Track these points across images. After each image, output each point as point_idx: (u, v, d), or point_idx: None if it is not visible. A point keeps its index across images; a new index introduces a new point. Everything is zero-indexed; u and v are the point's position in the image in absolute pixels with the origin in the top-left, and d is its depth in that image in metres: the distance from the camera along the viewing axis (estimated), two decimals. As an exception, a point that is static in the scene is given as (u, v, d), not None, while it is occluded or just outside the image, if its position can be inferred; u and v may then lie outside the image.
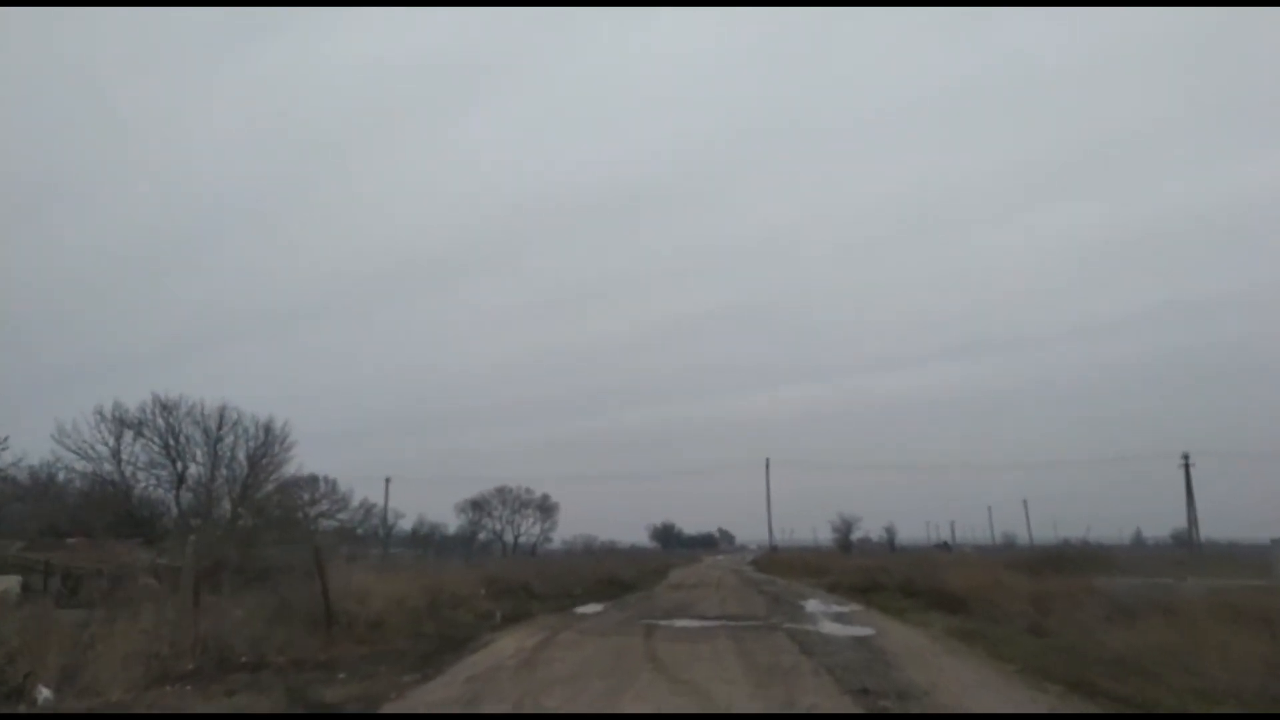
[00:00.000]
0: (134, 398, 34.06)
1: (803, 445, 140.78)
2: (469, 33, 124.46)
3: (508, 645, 12.58)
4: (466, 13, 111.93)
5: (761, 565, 50.33)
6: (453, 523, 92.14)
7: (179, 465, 35.12)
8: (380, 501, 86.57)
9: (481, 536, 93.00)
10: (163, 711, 7.98)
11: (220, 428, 36.51)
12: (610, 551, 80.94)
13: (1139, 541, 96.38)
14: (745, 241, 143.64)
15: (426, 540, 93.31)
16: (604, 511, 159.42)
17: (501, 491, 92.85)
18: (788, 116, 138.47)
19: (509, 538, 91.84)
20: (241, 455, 37.87)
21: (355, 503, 74.90)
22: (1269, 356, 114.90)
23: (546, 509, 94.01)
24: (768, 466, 59.25)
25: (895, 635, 15.01)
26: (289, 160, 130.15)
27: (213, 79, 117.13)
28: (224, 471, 36.76)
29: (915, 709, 8.27)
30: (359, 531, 74.64)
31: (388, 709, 8.11)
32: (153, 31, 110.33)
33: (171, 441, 34.94)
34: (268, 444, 39.74)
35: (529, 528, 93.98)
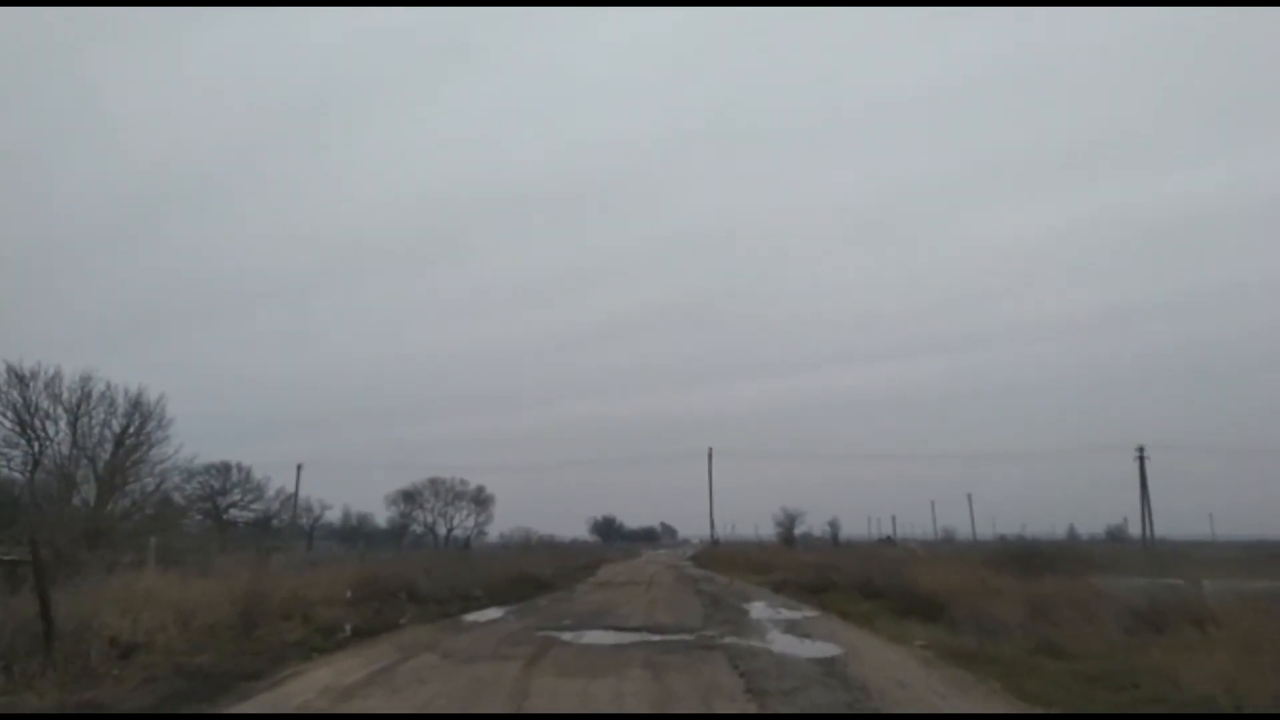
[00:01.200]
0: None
1: (746, 441, 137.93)
2: (418, 24, 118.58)
3: (312, 684, 8.28)
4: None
5: (701, 560, 46.49)
6: (383, 515, 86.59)
7: (35, 444, 29.87)
8: (308, 492, 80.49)
9: (414, 529, 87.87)
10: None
11: (83, 402, 31.10)
12: (547, 545, 76.73)
13: (1073, 537, 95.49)
14: (692, 237, 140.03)
15: (355, 533, 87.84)
16: (544, 505, 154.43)
17: (434, 483, 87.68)
18: (738, 115, 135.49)
19: (441, 530, 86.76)
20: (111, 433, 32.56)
21: (271, 492, 69.28)
22: (1200, 359, 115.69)
23: (481, 501, 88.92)
24: (710, 456, 55.54)
25: (872, 656, 11.12)
26: (238, 142, 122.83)
27: (158, 55, 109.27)
28: (86, 452, 31.63)
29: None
30: (275, 523, 68.88)
31: None
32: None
33: (27, 417, 29.56)
34: (141, 421, 34.21)
35: (463, 520, 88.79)
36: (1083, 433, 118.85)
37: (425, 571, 19.57)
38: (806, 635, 13.39)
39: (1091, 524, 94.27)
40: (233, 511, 69.33)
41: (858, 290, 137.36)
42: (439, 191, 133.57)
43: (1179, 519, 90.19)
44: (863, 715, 7.37)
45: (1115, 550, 50.34)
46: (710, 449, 55.74)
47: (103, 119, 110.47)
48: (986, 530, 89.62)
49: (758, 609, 18.38)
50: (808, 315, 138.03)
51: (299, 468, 56.54)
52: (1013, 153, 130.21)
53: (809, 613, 17.60)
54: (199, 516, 68.65)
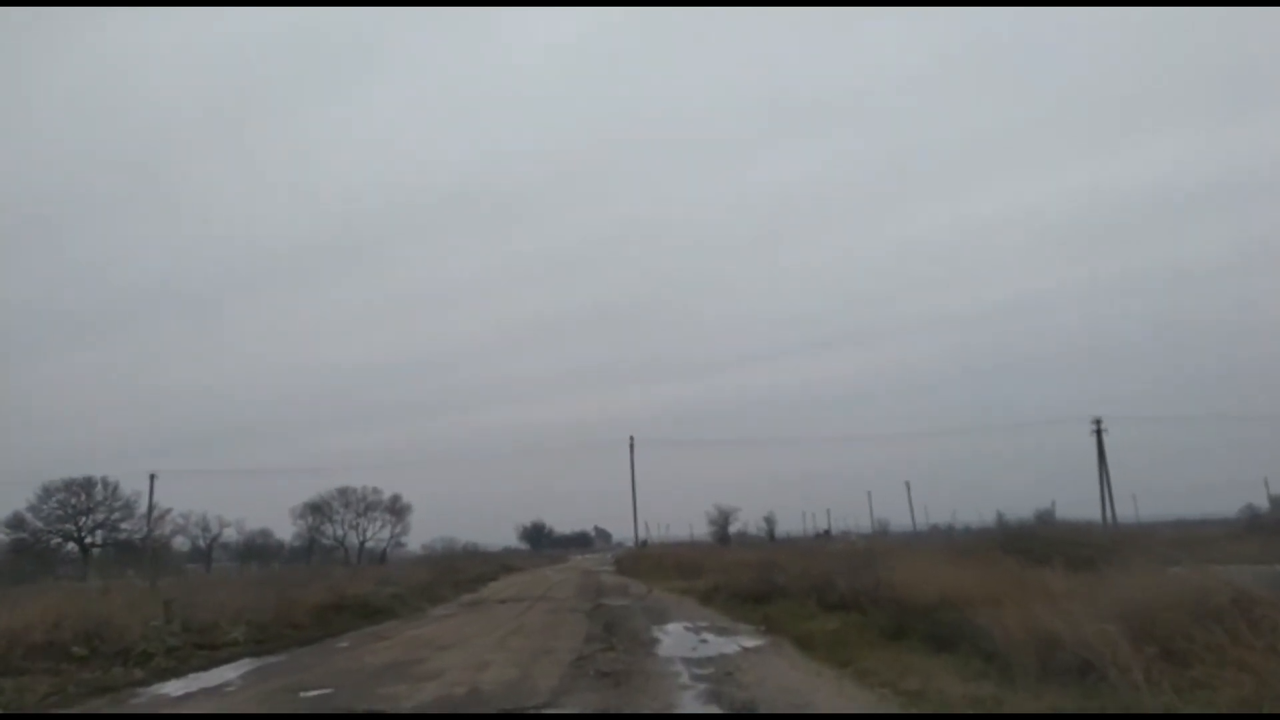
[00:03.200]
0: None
1: (678, 438, 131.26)
2: (326, 20, 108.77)
3: None
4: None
5: (625, 564, 39.59)
6: (289, 530, 77.38)
7: None
8: (206, 509, 71.17)
9: (323, 543, 78.88)
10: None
11: None
12: (470, 554, 69.45)
13: (1003, 523, 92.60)
14: (617, 240, 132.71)
15: (259, 551, 78.51)
16: (472, 514, 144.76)
17: (344, 492, 78.79)
18: (665, 117, 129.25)
19: (354, 542, 78.03)
20: None
21: (142, 510, 59.42)
22: (1115, 343, 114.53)
23: (398, 511, 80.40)
24: (631, 446, 48.52)
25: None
26: (136, 145, 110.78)
27: (51, 56, 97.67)
28: None
29: None
30: (142, 542, 58.99)
31: None
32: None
33: None
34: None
35: (377, 531, 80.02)
36: (1003, 418, 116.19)
37: (169, 602, 12.44)
38: (750, 703, 6.88)
39: (1018, 509, 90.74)
40: (99, 533, 59.60)
41: (784, 288, 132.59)
42: (354, 197, 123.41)
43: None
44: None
45: (1111, 533, 45.46)
46: (631, 437, 48.88)
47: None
48: (919, 521, 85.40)
49: (673, 637, 11.84)
50: (736, 315, 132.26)
51: (152, 478, 47.83)
52: (938, 149, 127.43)
53: (750, 640, 11.15)
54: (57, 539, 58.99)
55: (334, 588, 15.98)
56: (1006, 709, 6.54)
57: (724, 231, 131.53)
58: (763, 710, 6.65)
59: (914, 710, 6.69)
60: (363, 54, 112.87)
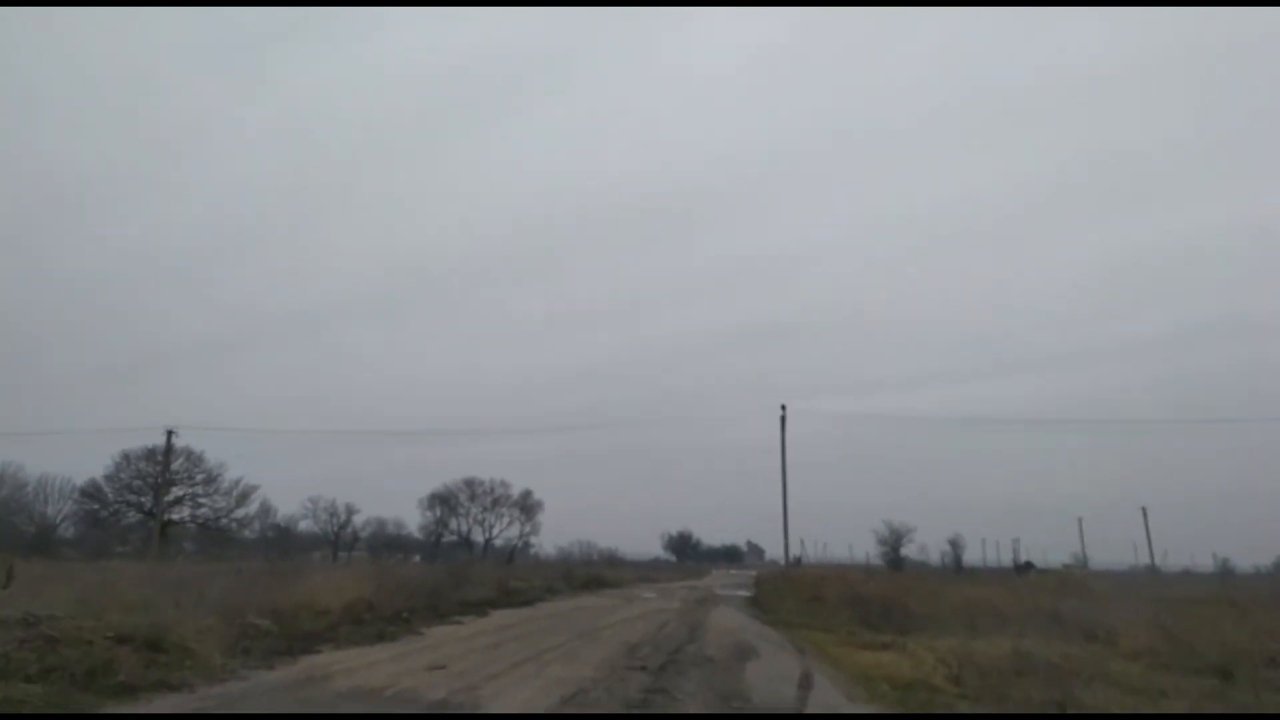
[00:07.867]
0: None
1: (841, 454, 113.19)
2: (509, 37, 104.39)
3: None
4: (506, 15, 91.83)
5: (766, 591, 24.45)
6: (416, 521, 68.59)
7: None
8: (335, 496, 63.33)
9: (448, 538, 69.42)
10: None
11: None
12: (606, 561, 57.68)
13: (1226, 572, 69.19)
14: (772, 255, 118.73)
15: (393, 543, 70.41)
16: (618, 520, 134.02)
17: (471, 484, 68.97)
18: (815, 128, 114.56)
19: (479, 538, 68.00)
20: None
21: (226, 485, 50.87)
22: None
23: (528, 507, 69.54)
24: (783, 421, 32.59)
25: None
26: (324, 164, 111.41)
27: (252, 80, 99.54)
28: None
29: None
30: (224, 523, 50.41)
31: None
32: (195, 31, 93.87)
33: None
34: None
35: (504, 529, 69.36)
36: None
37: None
38: None
39: (1252, 555, 67.18)
40: (180, 509, 51.77)
41: (954, 307, 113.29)
42: (525, 212, 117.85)
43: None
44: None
45: None
46: (783, 406, 33.06)
47: (177, 149, 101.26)
48: (1115, 558, 64.36)
49: None
50: (905, 333, 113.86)
51: (169, 434, 38.30)
52: (1106, 167, 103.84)
53: None
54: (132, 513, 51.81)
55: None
56: None
57: (897, 245, 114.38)
58: None
59: None
60: (539, 66, 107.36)
